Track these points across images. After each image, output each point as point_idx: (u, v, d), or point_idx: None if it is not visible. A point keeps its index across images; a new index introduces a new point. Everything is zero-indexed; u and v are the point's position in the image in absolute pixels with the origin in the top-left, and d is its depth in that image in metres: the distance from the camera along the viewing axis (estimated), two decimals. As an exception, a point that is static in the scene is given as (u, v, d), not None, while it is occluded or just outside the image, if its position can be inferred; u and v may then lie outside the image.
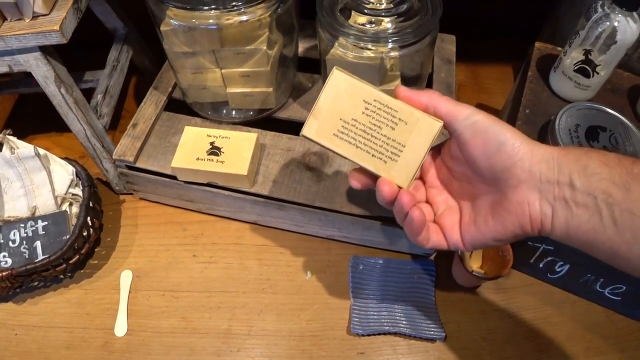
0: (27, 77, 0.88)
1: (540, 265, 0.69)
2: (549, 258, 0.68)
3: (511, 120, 0.70)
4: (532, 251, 0.68)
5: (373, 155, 0.44)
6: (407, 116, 0.44)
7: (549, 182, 0.38)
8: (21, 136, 0.75)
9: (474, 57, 0.99)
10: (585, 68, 0.66)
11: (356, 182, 0.46)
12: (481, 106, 0.90)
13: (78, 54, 0.75)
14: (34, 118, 0.94)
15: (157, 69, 0.85)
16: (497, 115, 0.84)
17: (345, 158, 0.44)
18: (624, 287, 0.65)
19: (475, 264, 0.70)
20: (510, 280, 0.72)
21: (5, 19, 0.63)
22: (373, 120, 0.44)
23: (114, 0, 0.82)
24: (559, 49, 0.74)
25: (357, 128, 0.44)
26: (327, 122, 0.43)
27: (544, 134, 0.65)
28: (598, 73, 0.66)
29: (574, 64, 0.66)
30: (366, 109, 0.44)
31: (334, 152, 0.44)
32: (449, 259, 0.72)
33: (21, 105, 1.00)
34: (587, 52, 0.65)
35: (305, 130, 0.44)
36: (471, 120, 0.42)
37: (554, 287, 0.71)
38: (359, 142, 0.44)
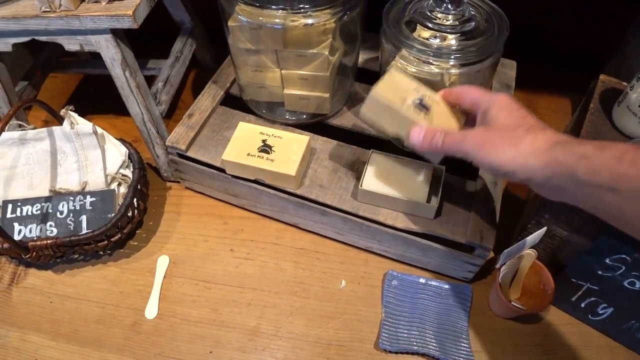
0: (93, 59, 0.92)
1: (582, 305, 0.67)
2: (592, 298, 0.65)
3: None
4: (575, 288, 0.65)
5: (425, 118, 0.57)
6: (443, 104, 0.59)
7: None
8: (81, 115, 0.77)
9: (533, 85, 0.97)
10: (652, 104, 0.63)
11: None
12: (535, 137, 0.90)
13: (145, 41, 0.78)
14: (94, 99, 0.97)
15: (216, 64, 0.87)
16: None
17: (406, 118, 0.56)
18: (671, 339, 0.62)
19: (514, 295, 0.68)
20: (548, 316, 0.69)
21: (83, 0, 0.65)
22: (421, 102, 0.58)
23: (184, -6, 0.85)
24: (625, 83, 0.72)
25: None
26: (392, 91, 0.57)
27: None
28: (665, 110, 0.63)
29: (641, 100, 0.64)
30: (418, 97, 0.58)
31: (401, 114, 0.56)
32: (488, 286, 0.71)
33: (84, 86, 1.04)
34: (655, 88, 0.62)
35: (376, 91, 0.57)
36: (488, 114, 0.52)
37: (594, 330, 0.68)
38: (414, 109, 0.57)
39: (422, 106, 0.57)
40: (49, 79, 0.97)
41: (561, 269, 0.65)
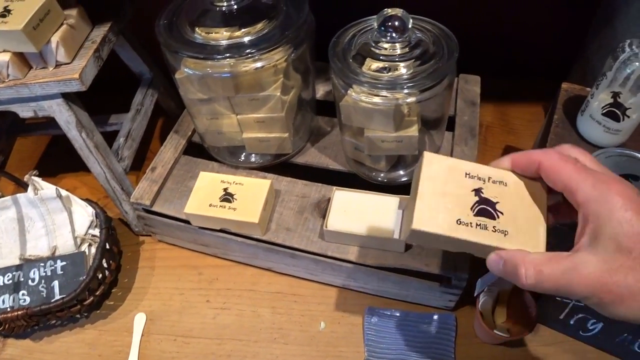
0: (54, 120, 0.91)
1: (572, 322, 0.65)
2: (580, 315, 0.63)
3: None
4: (561, 306, 0.63)
5: (495, 230, 0.40)
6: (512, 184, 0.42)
7: None
8: (51, 175, 0.77)
9: (504, 97, 0.96)
10: (615, 111, 0.62)
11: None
12: (510, 149, 0.88)
13: (108, 95, 0.78)
14: (64, 157, 0.96)
15: (182, 111, 0.86)
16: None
17: (471, 243, 0.40)
18: (667, 350, 0.60)
19: (499, 319, 0.66)
20: (539, 336, 0.67)
21: (31, 67, 0.66)
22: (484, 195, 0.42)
23: (140, 46, 0.84)
24: (588, 89, 0.70)
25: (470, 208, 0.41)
26: (437, 209, 0.41)
27: (570, 184, 0.61)
28: (629, 116, 0.61)
29: (602, 107, 0.62)
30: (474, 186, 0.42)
31: (457, 239, 0.40)
32: (473, 312, 0.68)
33: (54, 145, 1.04)
34: (615, 95, 0.61)
35: (416, 224, 0.40)
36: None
37: (588, 346, 0.66)
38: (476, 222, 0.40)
39: (486, 208, 0.41)
40: (19, 141, 0.97)
41: (544, 288, 0.63)
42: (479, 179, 0.43)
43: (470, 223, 0.40)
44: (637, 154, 0.60)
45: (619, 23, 0.74)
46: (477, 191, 0.42)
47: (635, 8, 0.70)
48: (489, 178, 0.43)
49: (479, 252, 0.41)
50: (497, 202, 0.41)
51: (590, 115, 0.64)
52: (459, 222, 0.40)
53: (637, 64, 0.57)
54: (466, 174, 0.43)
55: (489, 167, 0.43)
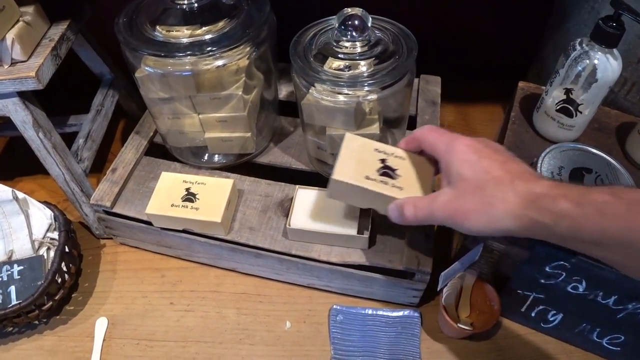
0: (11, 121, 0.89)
1: (533, 314, 0.66)
2: (541, 307, 0.64)
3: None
4: (522, 299, 0.65)
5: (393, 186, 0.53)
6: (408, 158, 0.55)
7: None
8: (8, 178, 0.75)
9: (463, 98, 0.98)
10: (568, 107, 0.64)
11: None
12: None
13: (69, 97, 0.76)
14: (22, 159, 0.94)
15: (143, 112, 0.85)
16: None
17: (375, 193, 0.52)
18: (623, 337, 0.61)
19: (463, 313, 0.67)
20: (502, 329, 0.68)
21: (-15, 66, 0.63)
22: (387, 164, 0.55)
23: (100, 47, 0.83)
24: (543, 88, 0.72)
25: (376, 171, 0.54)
26: (351, 168, 0.54)
27: (526, 178, 0.63)
28: (581, 112, 0.64)
29: (556, 104, 0.65)
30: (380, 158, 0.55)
31: (364, 188, 0.52)
32: (437, 307, 0.69)
33: (11, 146, 1.01)
34: (568, 91, 0.63)
35: (335, 175, 0.53)
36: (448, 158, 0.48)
37: (549, 337, 0.67)
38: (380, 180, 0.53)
39: (387, 171, 0.54)
40: (-27, 145, 0.94)
41: (506, 282, 0.64)
42: (385, 153, 0.56)
43: (376, 179, 0.53)
44: (589, 148, 0.63)
45: (571, 25, 0.76)
46: (383, 161, 0.55)
47: (585, 10, 0.72)
48: (392, 153, 0.56)
49: (381, 205, 0.53)
50: (397, 169, 0.54)
51: (545, 112, 0.66)
52: (367, 178, 0.53)
53: (587, 61, 0.59)
54: (375, 149, 0.56)
55: (393, 147, 0.56)
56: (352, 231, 0.63)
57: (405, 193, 0.52)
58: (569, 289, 0.60)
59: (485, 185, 0.44)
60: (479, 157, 0.46)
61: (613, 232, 0.38)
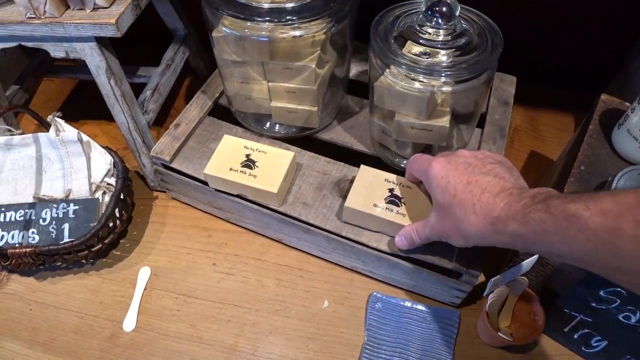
0: (85, 65, 0.91)
1: (575, 336, 0.64)
2: (586, 330, 0.62)
3: (563, 176, 0.65)
4: (568, 319, 0.62)
5: (397, 213, 0.62)
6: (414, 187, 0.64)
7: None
8: (73, 119, 0.77)
9: (535, 102, 0.94)
10: (655, 128, 0.60)
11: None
12: (535, 154, 0.87)
13: (139, 47, 0.77)
14: (88, 104, 0.96)
15: (211, 72, 0.85)
16: (550, 168, 0.79)
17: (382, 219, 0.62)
18: (669, 375, 0.59)
19: (503, 323, 0.65)
20: (540, 346, 0.66)
21: (68, 7, 0.65)
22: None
23: (178, 1, 0.83)
24: (627, 104, 0.68)
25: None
26: (362, 196, 0.63)
27: (597, 196, 0.60)
28: (668, 136, 0.60)
29: (642, 123, 0.61)
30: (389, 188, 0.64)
31: (373, 215, 0.62)
32: (477, 312, 0.68)
33: (79, 90, 1.04)
34: (657, 113, 0.59)
35: (347, 203, 0.63)
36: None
37: (588, 363, 0.65)
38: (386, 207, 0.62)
39: (394, 199, 0.62)
40: (45, 82, 0.97)
41: (554, 298, 0.62)
42: (393, 183, 0.64)
43: (383, 207, 0.62)
44: (670, 174, 0.59)
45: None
46: (391, 190, 0.63)
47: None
48: (400, 183, 0.64)
49: (389, 230, 0.63)
50: (402, 198, 0.63)
51: (628, 130, 0.63)
52: (375, 205, 0.62)
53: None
54: (385, 179, 0.64)
55: (401, 177, 0.64)
56: (407, 221, 0.62)
57: (407, 220, 0.61)
58: (620, 317, 0.57)
59: (454, 208, 0.50)
60: (448, 182, 0.51)
61: (556, 246, 0.41)
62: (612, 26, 0.84)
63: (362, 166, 0.66)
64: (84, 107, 0.95)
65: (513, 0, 0.83)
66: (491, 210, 0.46)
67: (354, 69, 0.83)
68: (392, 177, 0.64)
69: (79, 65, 0.91)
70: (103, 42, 0.66)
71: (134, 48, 0.81)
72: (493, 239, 0.47)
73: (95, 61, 0.67)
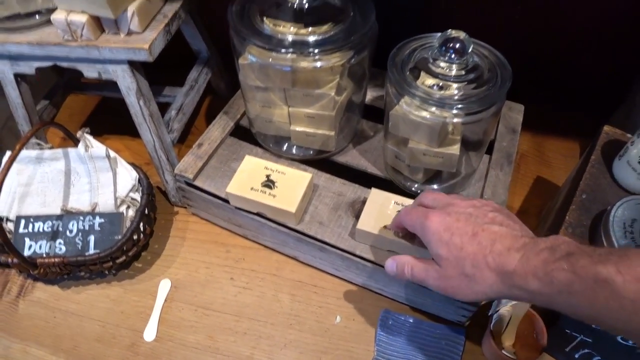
0: (111, 82, 0.95)
1: (576, 356, 0.66)
2: (586, 350, 0.65)
3: (566, 203, 0.68)
4: (569, 339, 0.65)
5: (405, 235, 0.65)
6: None
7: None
8: (97, 134, 0.80)
9: (542, 127, 0.97)
10: (652, 164, 0.64)
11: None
12: (541, 180, 0.90)
13: (163, 68, 0.80)
14: (112, 119, 1.00)
15: (231, 93, 0.89)
16: (555, 193, 0.81)
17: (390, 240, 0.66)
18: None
19: (507, 341, 0.68)
20: (542, 364, 0.69)
21: (103, 31, 0.69)
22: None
23: (202, 25, 0.87)
24: (629, 135, 0.72)
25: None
26: (373, 218, 0.67)
27: (597, 224, 0.63)
28: (666, 169, 0.63)
29: (640, 158, 0.64)
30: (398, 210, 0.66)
31: (382, 236, 0.66)
32: (483, 330, 0.71)
33: (103, 106, 1.08)
34: (656, 147, 0.63)
35: (359, 225, 0.67)
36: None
37: (589, 382, 0.68)
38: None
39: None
40: (70, 97, 1.01)
41: (556, 319, 0.65)
42: (402, 205, 0.67)
43: (391, 229, 0.65)
44: (668, 205, 0.62)
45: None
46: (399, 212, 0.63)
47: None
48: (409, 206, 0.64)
49: (398, 249, 0.66)
50: None
51: (627, 162, 0.66)
52: (385, 227, 0.65)
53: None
54: (394, 202, 0.68)
55: (410, 199, 0.67)
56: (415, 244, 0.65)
57: (414, 242, 0.64)
58: (619, 338, 0.60)
59: (463, 263, 0.48)
60: (451, 235, 0.49)
61: (583, 309, 0.40)
62: (621, 50, 0.87)
63: (372, 189, 0.70)
64: (108, 122, 0.99)
65: (519, 21, 0.86)
66: (506, 264, 0.45)
67: (370, 94, 0.87)
68: (402, 199, 0.68)
69: (105, 83, 0.95)
70: (135, 65, 0.70)
71: (159, 67, 0.85)
72: (510, 294, 0.46)
73: (127, 82, 0.71)
